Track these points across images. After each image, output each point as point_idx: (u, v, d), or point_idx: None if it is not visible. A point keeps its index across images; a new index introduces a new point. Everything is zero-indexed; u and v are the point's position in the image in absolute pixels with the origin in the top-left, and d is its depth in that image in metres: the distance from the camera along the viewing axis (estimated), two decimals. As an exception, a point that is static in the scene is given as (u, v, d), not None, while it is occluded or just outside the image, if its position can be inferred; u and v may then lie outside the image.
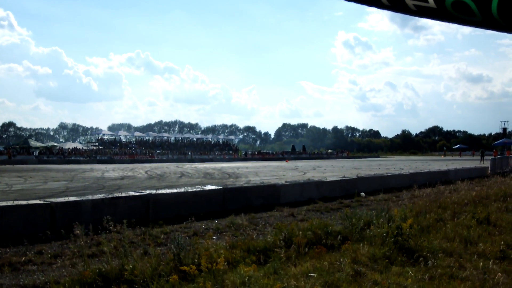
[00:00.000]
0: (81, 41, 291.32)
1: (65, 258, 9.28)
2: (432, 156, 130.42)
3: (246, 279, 6.91)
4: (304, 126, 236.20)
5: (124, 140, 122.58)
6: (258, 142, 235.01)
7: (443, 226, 11.56)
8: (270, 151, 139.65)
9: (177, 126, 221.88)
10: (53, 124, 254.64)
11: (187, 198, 15.21)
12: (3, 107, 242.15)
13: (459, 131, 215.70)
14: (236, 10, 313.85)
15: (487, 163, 45.86)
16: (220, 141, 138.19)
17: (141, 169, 47.54)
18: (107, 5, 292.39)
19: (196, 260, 7.56)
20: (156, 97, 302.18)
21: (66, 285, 6.93)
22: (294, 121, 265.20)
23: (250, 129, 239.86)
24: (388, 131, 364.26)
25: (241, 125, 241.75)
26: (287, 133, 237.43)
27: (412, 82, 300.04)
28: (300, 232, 9.60)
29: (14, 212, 11.42)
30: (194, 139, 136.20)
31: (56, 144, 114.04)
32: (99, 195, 14.24)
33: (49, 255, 9.49)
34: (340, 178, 23.35)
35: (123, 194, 14.15)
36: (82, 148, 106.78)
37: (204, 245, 8.32)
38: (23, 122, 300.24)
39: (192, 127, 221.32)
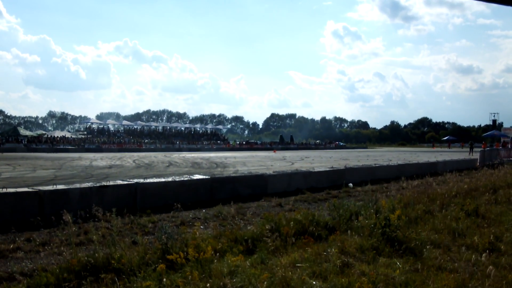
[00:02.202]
0: (69, 29, 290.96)
1: (53, 246, 9.27)
2: (421, 148, 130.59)
3: (233, 269, 6.90)
4: (292, 116, 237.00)
5: (112, 129, 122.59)
6: (246, 132, 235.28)
7: (431, 217, 11.57)
8: (258, 141, 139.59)
9: (165, 115, 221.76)
10: (41, 113, 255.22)
11: (174, 188, 15.18)
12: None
13: (448, 123, 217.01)
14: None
15: (476, 155, 45.98)
16: (208, 131, 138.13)
17: (129, 158, 47.48)
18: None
19: (183, 249, 7.54)
20: (144, 86, 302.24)
21: (54, 272, 6.90)
22: (282, 111, 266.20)
23: (238, 119, 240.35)
24: (377, 122, 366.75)
25: (229, 115, 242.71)
26: (275, 123, 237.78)
27: (401, 73, 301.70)
28: (288, 222, 9.59)
29: (3, 200, 11.36)
30: (182, 128, 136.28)
31: (44, 132, 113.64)
32: (87, 183, 14.15)
33: (37, 243, 9.48)
34: (328, 169, 23.33)
35: (111, 183, 14.09)
36: (71, 136, 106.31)
37: (192, 235, 8.30)
38: (11, 110, 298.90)
39: (180, 116, 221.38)
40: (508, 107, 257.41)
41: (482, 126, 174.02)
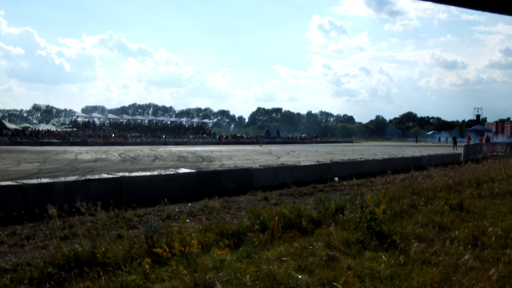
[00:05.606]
0: (53, 21, 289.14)
1: (37, 240, 9.23)
2: (406, 142, 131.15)
3: (219, 263, 6.90)
4: (278, 110, 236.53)
5: (97, 122, 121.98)
6: (232, 126, 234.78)
7: (416, 211, 11.63)
8: (245, 135, 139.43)
9: (151, 109, 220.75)
10: (26, 106, 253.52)
11: (160, 181, 15.14)
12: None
13: (432, 118, 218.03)
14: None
15: (460, 150, 46.24)
16: (194, 125, 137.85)
17: (114, 152, 47.31)
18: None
19: (169, 243, 7.52)
20: (129, 79, 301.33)
21: (38, 266, 6.86)
22: (268, 105, 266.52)
23: (224, 113, 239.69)
24: (362, 117, 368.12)
25: (215, 109, 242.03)
26: (261, 117, 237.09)
27: (387, 68, 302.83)
28: (274, 216, 9.59)
29: (-15, 194, 11.29)
30: (168, 122, 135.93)
31: (29, 126, 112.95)
32: (72, 177, 14.09)
33: (22, 237, 9.43)
34: (313, 163, 23.37)
35: (96, 177, 14.05)
36: (56, 130, 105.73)
37: (177, 228, 8.28)
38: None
39: (166, 110, 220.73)
40: (492, 102, 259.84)
41: (466, 121, 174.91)
